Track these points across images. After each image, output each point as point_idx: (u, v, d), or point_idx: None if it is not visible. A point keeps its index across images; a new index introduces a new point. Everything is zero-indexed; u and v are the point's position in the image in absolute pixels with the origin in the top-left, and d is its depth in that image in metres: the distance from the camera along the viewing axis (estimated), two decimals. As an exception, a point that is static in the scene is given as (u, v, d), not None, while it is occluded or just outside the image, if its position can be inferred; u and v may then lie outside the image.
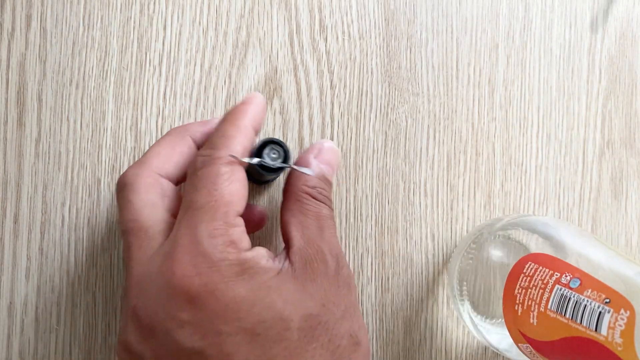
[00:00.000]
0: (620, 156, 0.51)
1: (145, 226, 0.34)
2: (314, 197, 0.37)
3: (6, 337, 0.42)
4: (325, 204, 0.37)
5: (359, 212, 0.47)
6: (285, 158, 0.38)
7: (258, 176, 0.42)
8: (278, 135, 0.46)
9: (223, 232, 0.32)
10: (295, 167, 0.37)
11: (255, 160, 0.36)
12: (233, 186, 0.33)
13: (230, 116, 0.36)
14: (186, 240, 0.31)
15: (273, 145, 0.38)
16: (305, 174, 0.38)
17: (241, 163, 0.35)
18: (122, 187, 0.35)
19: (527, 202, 0.50)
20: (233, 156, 0.33)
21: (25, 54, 0.43)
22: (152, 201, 0.35)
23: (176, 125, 0.44)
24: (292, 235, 0.35)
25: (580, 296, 0.35)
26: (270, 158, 0.38)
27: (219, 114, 0.45)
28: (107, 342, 0.43)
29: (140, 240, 0.33)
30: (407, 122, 0.48)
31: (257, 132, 0.37)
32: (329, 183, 0.38)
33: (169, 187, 0.36)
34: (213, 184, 0.32)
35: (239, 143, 0.34)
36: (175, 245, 0.32)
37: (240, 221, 0.33)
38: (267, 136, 0.46)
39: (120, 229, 0.35)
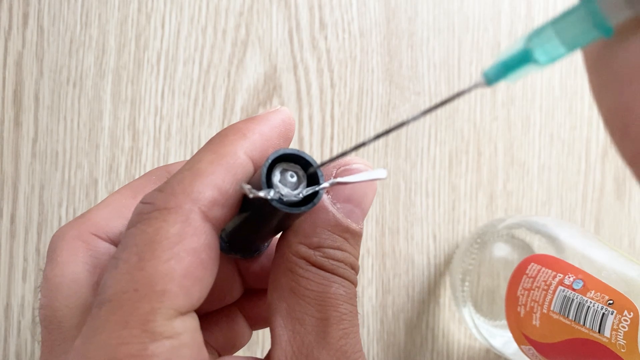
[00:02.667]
0: (623, 156, 0.51)
1: (59, 317, 0.23)
2: (317, 265, 0.22)
3: (3, 339, 0.42)
4: (340, 276, 0.23)
5: (360, 213, 0.46)
6: (312, 178, 0.22)
7: (263, 227, 0.24)
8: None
9: (135, 351, 0.19)
10: (343, 179, 0.22)
11: (271, 192, 0.21)
12: (176, 263, 0.20)
13: (216, 137, 0.23)
14: None
15: (285, 165, 0.22)
16: (329, 209, 0.23)
17: (231, 204, 0.22)
18: (47, 253, 0.25)
19: (529, 203, 0.49)
20: (247, 188, 0.21)
21: (22, 53, 0.43)
22: (74, 277, 0.24)
23: (174, 124, 0.44)
24: (276, 336, 0.23)
25: (584, 297, 0.35)
26: (288, 184, 0.22)
27: (218, 113, 0.45)
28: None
29: (52, 336, 0.23)
30: (408, 121, 0.47)
31: (258, 166, 0.23)
32: (352, 235, 0.23)
33: (109, 253, 0.25)
34: (139, 258, 0.20)
35: (211, 184, 0.21)
36: None
37: (182, 326, 0.20)
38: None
39: None
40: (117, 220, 0.25)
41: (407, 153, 0.47)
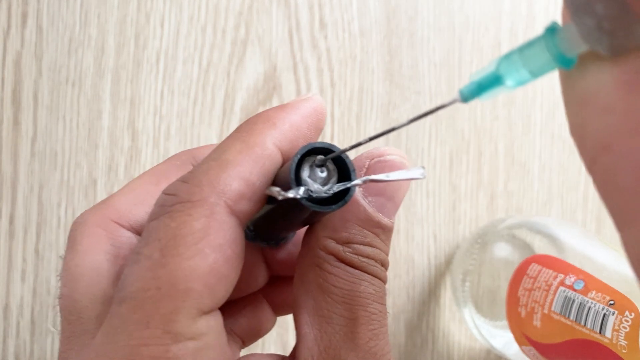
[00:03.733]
0: (625, 156, 0.51)
1: (78, 307, 0.22)
2: (346, 262, 0.21)
3: (2, 339, 0.42)
4: (370, 274, 0.22)
5: (360, 213, 0.46)
6: (343, 172, 0.21)
7: (291, 221, 0.24)
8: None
9: (156, 353, 0.18)
10: (377, 177, 0.21)
11: (301, 190, 0.20)
12: (200, 260, 0.19)
13: (244, 125, 0.22)
14: None
15: (315, 159, 0.21)
16: (363, 202, 0.22)
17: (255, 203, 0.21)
18: (68, 240, 0.24)
19: (530, 203, 0.49)
20: (275, 190, 0.20)
21: (21, 52, 0.43)
22: (95, 266, 0.23)
23: (173, 124, 0.44)
24: (302, 334, 0.22)
25: (585, 298, 0.34)
26: (318, 180, 0.21)
27: (218, 113, 0.45)
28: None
29: (71, 327, 0.22)
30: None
31: (287, 157, 0.22)
32: (383, 231, 0.22)
33: (131, 242, 0.24)
34: (162, 255, 0.19)
35: (238, 176, 0.20)
36: None
37: (206, 326, 0.19)
38: None
39: None
40: (139, 207, 0.25)
41: (407, 153, 0.47)
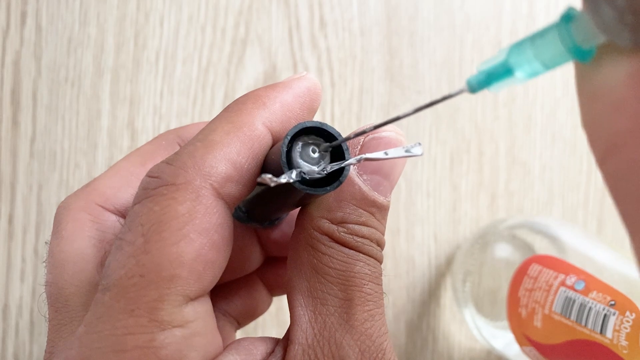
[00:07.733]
0: (626, 155, 0.50)
1: (65, 295, 0.22)
2: (340, 242, 0.21)
3: (1, 340, 0.42)
4: (365, 254, 0.21)
5: (360, 213, 0.46)
6: (336, 151, 0.20)
7: (283, 203, 0.23)
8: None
9: (142, 342, 0.18)
10: (372, 155, 0.20)
11: (293, 174, 0.19)
12: (186, 246, 0.18)
13: (233, 105, 0.21)
14: (74, 353, 0.19)
15: (306, 138, 0.20)
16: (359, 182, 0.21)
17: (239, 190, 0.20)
18: (53, 226, 0.24)
19: (531, 203, 0.49)
20: (267, 178, 0.18)
21: (20, 52, 0.42)
22: (80, 252, 0.22)
23: (173, 124, 0.44)
24: (296, 316, 0.21)
25: (585, 298, 0.34)
26: (310, 160, 0.20)
27: (217, 112, 0.44)
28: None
29: (58, 315, 0.22)
30: (408, 120, 0.47)
31: (277, 138, 0.22)
32: (379, 210, 0.22)
33: (116, 226, 0.24)
34: (145, 240, 0.18)
35: (225, 158, 0.20)
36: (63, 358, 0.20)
37: (193, 312, 0.19)
38: None
39: None
40: (125, 190, 0.24)
41: (407, 153, 0.47)
